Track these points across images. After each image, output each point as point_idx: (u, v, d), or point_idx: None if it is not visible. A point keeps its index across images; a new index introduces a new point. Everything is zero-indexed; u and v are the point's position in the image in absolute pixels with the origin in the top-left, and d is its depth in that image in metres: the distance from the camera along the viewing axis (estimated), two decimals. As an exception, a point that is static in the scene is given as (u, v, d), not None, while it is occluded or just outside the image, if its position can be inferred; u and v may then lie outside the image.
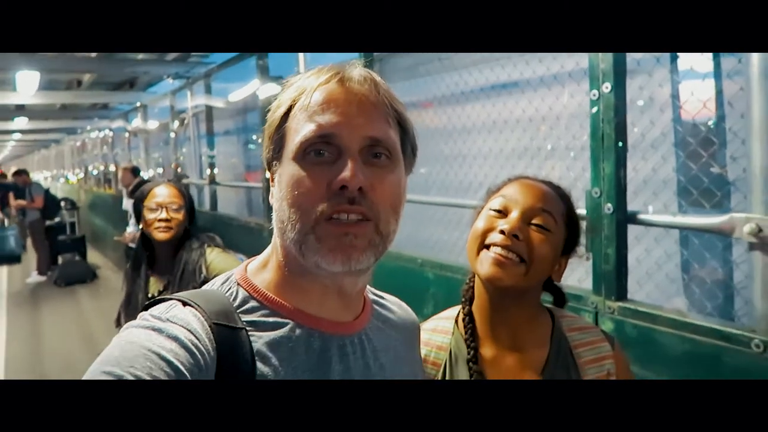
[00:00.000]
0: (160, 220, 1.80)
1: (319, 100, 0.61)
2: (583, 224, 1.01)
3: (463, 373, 0.90)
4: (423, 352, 0.94)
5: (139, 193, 1.90)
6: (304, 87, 0.63)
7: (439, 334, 0.96)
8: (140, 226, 1.87)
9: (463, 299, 0.97)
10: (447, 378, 0.92)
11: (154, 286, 1.83)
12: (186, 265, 1.76)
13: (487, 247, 0.87)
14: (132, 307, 1.80)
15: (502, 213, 0.89)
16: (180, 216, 1.84)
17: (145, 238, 1.87)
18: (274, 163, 0.66)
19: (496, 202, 0.91)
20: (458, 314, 0.97)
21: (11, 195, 8.23)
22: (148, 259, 1.87)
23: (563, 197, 0.95)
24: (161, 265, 1.87)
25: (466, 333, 0.92)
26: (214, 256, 1.81)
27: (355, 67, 0.64)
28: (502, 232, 0.86)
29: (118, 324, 1.88)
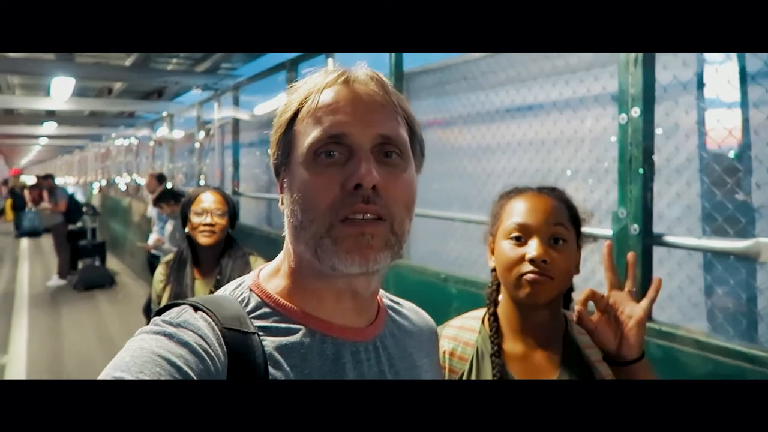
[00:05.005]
0: (204, 225, 1.90)
1: (326, 101, 0.60)
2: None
3: (488, 368, 0.98)
4: (450, 346, 1.02)
5: (186, 197, 2.00)
6: (311, 90, 0.62)
7: (466, 331, 1.03)
8: (186, 230, 1.96)
9: (488, 301, 1.04)
10: (474, 371, 0.99)
11: (202, 288, 1.91)
12: (232, 271, 1.87)
13: (521, 275, 0.94)
14: None
15: (522, 240, 0.95)
16: (223, 221, 1.94)
17: (190, 241, 1.96)
18: (282, 168, 0.65)
19: (512, 231, 0.96)
20: (484, 314, 1.05)
21: (45, 194, 8.47)
22: (192, 261, 1.96)
23: (561, 199, 1.00)
24: (205, 267, 1.96)
25: (491, 330, 1.00)
26: (259, 264, 1.89)
27: (360, 67, 0.64)
28: (531, 261, 0.93)
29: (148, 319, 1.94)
